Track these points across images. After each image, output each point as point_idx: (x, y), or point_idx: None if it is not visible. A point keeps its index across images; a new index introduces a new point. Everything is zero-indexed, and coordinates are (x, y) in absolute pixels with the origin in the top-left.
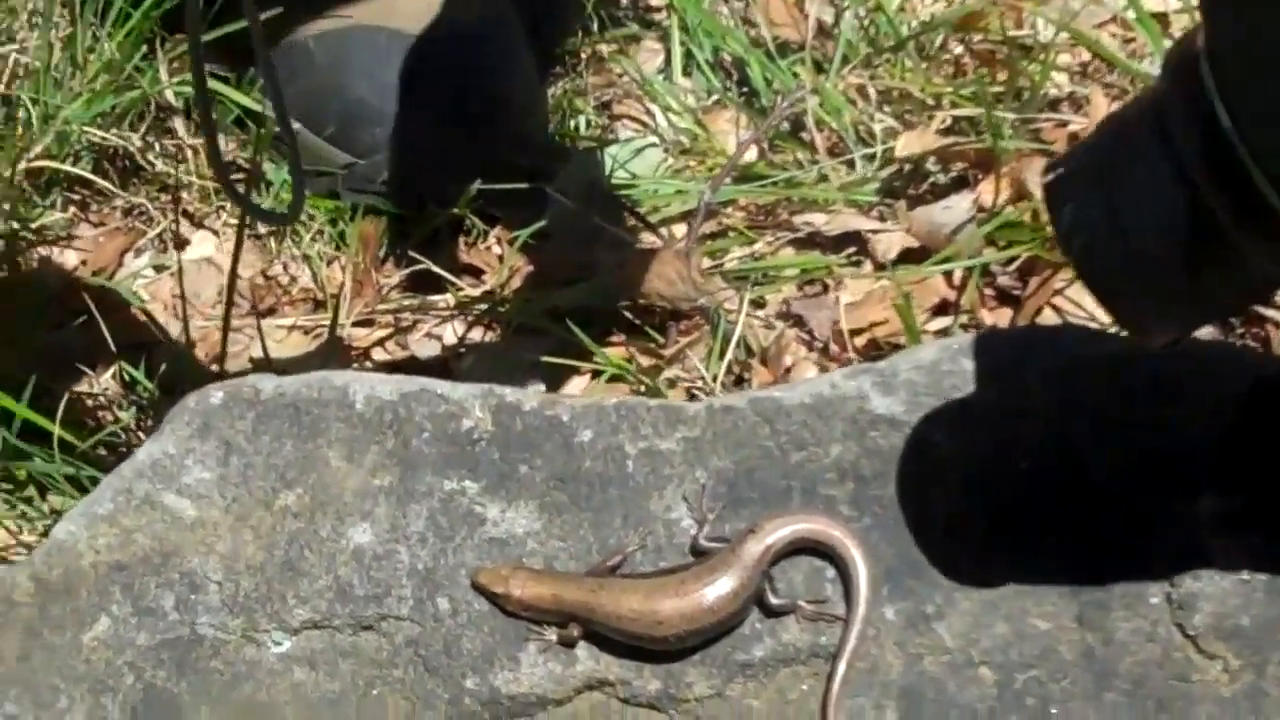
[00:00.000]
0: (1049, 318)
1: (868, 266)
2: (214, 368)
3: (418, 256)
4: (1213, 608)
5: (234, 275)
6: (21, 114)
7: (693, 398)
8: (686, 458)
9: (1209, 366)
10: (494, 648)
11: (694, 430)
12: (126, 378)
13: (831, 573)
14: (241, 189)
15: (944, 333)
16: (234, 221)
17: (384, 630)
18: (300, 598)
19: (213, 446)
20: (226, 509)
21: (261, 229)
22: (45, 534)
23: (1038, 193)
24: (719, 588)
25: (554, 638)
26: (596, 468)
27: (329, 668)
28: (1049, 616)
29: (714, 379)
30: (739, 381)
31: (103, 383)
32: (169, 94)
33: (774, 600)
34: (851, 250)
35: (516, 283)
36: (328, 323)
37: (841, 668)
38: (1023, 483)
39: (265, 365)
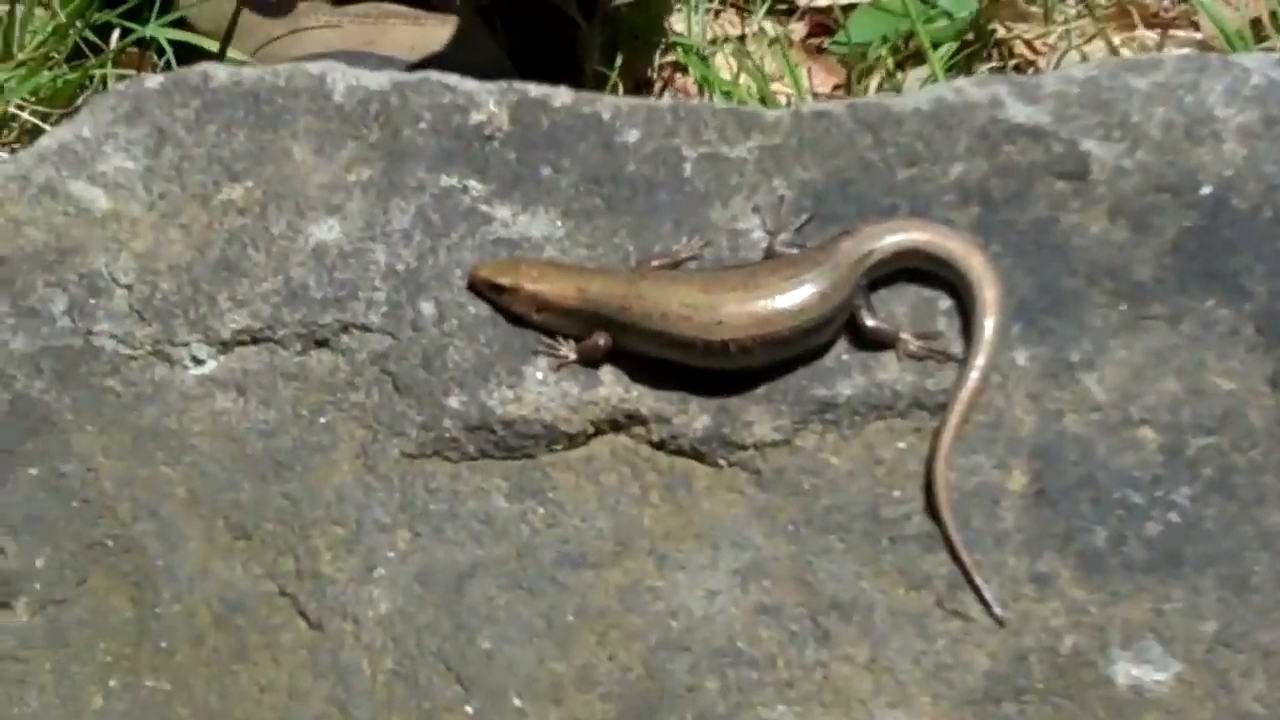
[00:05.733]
0: None
1: None
2: None
3: None
4: None
5: None
6: None
7: None
8: (762, 166)
9: None
10: (490, 360)
11: (773, 138)
12: None
13: (946, 304)
14: None
15: None
16: None
17: (343, 346)
18: (237, 300)
19: (142, 134)
20: (151, 205)
21: None
22: None
23: None
24: (801, 285)
25: (572, 355)
26: (644, 171)
27: (264, 393)
28: (1233, 375)
29: None
30: None
31: None
32: None
33: (872, 321)
34: None
35: None
36: None
37: (956, 414)
38: (1204, 210)
39: None
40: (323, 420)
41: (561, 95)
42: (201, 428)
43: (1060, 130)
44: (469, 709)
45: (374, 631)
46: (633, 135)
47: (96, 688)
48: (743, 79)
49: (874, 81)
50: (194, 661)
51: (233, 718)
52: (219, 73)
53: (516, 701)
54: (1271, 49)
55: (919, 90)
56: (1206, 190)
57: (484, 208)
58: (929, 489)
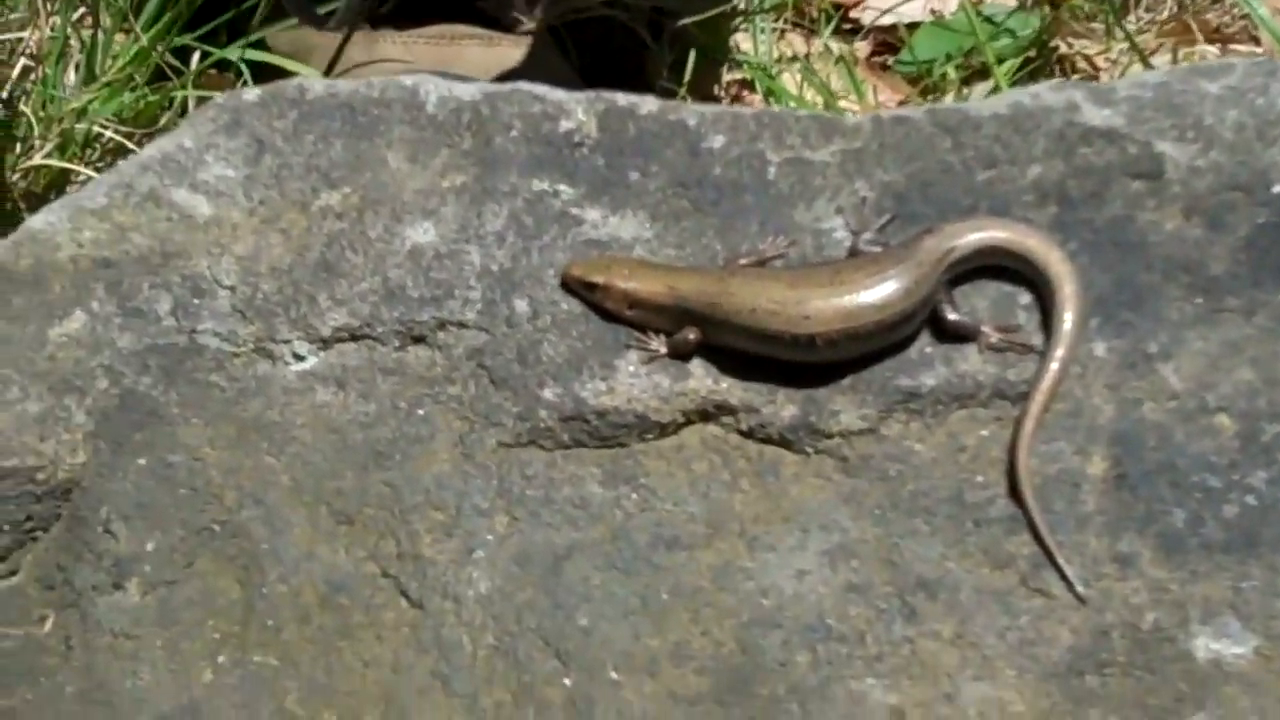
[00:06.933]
0: None
1: None
2: None
3: None
4: None
5: None
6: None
7: None
8: (844, 169)
9: None
10: (583, 354)
11: (854, 142)
12: None
13: (1026, 299)
14: None
15: None
16: None
17: (440, 342)
18: (336, 300)
19: (241, 144)
20: (251, 210)
21: None
22: None
23: None
24: (886, 281)
25: (663, 349)
26: (729, 174)
27: (363, 387)
28: None
29: None
30: None
31: None
32: None
33: (953, 315)
34: None
35: None
36: None
37: (1037, 403)
38: (1276, 208)
39: None
40: (421, 412)
41: (648, 104)
42: (303, 420)
43: (1135, 132)
44: (567, 681)
45: (474, 610)
46: (718, 141)
47: (206, 663)
48: (809, 95)
49: (948, 98)
50: (300, 639)
51: (338, 691)
52: (315, 85)
53: (613, 675)
54: None
55: (991, 98)
56: (1278, 189)
57: (574, 211)
58: (1011, 474)
